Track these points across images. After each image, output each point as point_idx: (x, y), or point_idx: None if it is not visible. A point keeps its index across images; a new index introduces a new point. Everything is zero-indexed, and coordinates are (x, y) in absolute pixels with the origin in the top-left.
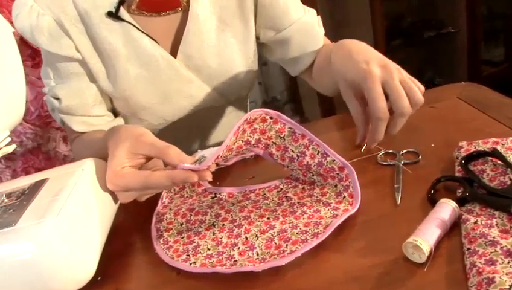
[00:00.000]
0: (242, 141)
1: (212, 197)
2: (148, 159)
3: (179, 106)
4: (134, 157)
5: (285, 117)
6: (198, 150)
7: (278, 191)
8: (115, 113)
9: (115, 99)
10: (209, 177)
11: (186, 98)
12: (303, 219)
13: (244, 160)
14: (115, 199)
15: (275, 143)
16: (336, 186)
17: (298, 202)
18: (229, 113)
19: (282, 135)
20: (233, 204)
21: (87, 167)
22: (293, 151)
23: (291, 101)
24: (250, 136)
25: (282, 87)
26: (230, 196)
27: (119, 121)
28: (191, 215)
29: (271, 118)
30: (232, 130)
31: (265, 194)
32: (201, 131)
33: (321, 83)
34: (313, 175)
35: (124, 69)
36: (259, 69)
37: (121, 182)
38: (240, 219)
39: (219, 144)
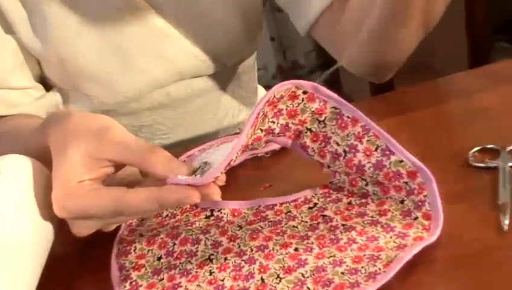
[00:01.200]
0: (261, 129)
1: (208, 217)
2: (119, 167)
3: (148, 74)
4: (97, 165)
5: (327, 91)
6: (196, 152)
7: (310, 208)
8: (47, 86)
9: (46, 63)
10: (218, 196)
11: (158, 61)
12: (351, 250)
13: (256, 159)
14: (55, 222)
15: (310, 130)
16: (402, 201)
17: (343, 225)
18: (228, 88)
19: (322, 118)
20: (240, 227)
21: (7, 168)
22: (337, 144)
23: (321, 67)
24: (274, 122)
25: (308, 46)
26: (236, 214)
27: (54, 99)
28: (174, 244)
29: (304, 92)
30: (250, 119)
31: (290, 211)
32: (184, 117)
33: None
34: (366, 184)
35: (57, 13)
36: (272, 16)
37: (77, 205)
38: (251, 250)
39: (213, 136)
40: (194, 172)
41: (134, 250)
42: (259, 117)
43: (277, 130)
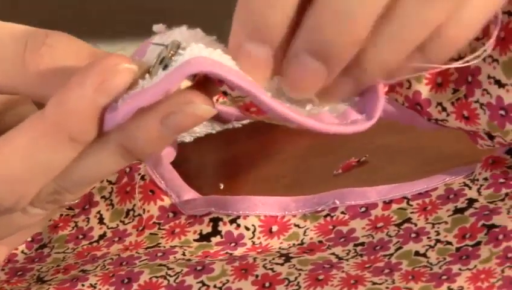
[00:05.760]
0: None
1: (203, 236)
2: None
3: None
4: None
5: None
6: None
7: (458, 210)
8: None
9: None
10: (209, 109)
11: None
12: None
13: None
14: None
15: None
16: None
17: None
18: None
19: None
20: (286, 258)
21: None
22: None
23: None
24: None
25: None
26: (276, 229)
27: None
28: None
29: None
30: None
31: (409, 220)
32: None
33: None
34: None
35: None
36: None
37: None
38: None
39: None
40: (148, 71)
41: None
42: None
43: None
